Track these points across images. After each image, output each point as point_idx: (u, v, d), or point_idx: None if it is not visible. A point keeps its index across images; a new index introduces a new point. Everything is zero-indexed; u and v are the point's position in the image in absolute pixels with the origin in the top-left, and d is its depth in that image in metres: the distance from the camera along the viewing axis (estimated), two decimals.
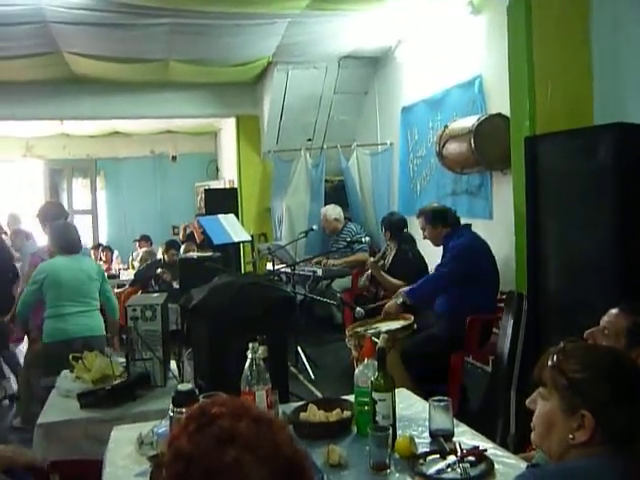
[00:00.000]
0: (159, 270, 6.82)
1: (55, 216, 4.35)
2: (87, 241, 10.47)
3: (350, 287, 6.23)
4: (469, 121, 4.76)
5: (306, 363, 5.27)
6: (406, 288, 4.25)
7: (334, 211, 6.68)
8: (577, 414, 1.29)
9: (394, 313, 4.17)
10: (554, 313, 3.61)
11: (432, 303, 4.25)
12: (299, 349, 5.39)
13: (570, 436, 1.30)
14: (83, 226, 10.67)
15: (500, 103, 4.57)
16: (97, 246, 9.42)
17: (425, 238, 4.45)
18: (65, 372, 3.08)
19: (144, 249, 8.50)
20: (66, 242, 3.95)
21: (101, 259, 8.86)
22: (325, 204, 7.08)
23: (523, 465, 1.73)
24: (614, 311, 2.02)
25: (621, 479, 1.24)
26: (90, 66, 6.30)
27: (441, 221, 4.31)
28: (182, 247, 7.84)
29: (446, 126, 5.05)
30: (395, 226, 5.23)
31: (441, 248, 4.38)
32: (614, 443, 1.28)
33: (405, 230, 5.27)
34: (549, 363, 1.37)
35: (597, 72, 3.90)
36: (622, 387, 1.30)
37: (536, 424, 1.39)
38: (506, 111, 4.38)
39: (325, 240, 7.03)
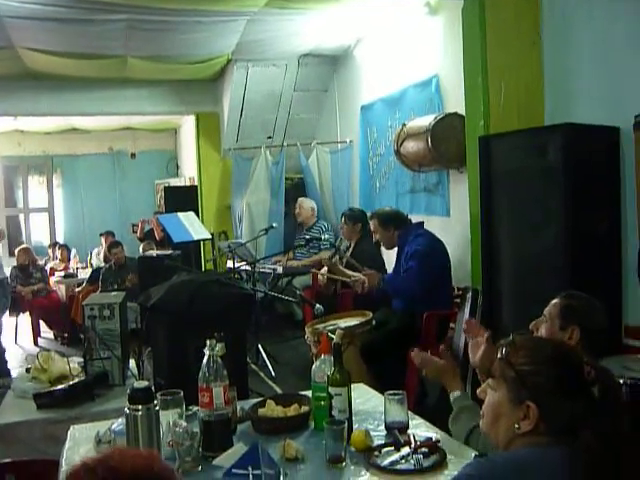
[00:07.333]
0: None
1: None
2: (43, 239, 10.31)
3: (310, 284, 6.26)
4: (426, 120, 4.83)
5: (267, 360, 5.28)
6: (388, 275, 4.33)
7: (310, 203, 6.78)
8: (523, 405, 1.34)
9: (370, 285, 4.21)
10: (508, 308, 3.71)
11: (396, 299, 4.32)
12: (260, 346, 5.40)
13: (516, 425, 1.35)
14: (39, 224, 10.48)
15: (456, 102, 4.64)
16: (54, 244, 9.25)
17: (377, 241, 4.55)
18: (21, 372, 3.04)
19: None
20: None
21: (57, 257, 8.71)
22: (285, 202, 7.11)
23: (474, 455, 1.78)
24: (553, 300, 2.20)
25: (564, 469, 1.28)
26: (45, 61, 6.17)
27: (393, 223, 4.37)
28: (141, 245, 7.75)
29: (404, 124, 5.11)
30: (362, 218, 5.30)
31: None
32: (557, 434, 1.33)
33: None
34: (498, 355, 1.43)
35: (548, 73, 4.00)
36: (566, 382, 1.35)
37: (485, 413, 1.44)
38: (462, 110, 4.43)
39: (288, 238, 7.04)
